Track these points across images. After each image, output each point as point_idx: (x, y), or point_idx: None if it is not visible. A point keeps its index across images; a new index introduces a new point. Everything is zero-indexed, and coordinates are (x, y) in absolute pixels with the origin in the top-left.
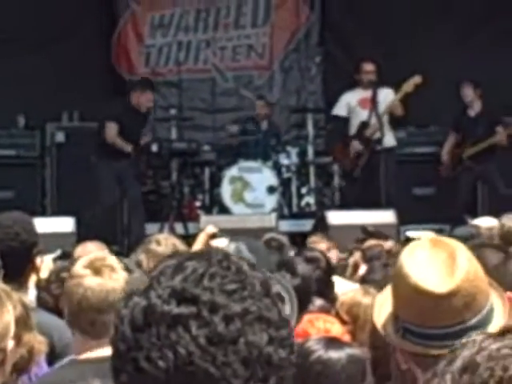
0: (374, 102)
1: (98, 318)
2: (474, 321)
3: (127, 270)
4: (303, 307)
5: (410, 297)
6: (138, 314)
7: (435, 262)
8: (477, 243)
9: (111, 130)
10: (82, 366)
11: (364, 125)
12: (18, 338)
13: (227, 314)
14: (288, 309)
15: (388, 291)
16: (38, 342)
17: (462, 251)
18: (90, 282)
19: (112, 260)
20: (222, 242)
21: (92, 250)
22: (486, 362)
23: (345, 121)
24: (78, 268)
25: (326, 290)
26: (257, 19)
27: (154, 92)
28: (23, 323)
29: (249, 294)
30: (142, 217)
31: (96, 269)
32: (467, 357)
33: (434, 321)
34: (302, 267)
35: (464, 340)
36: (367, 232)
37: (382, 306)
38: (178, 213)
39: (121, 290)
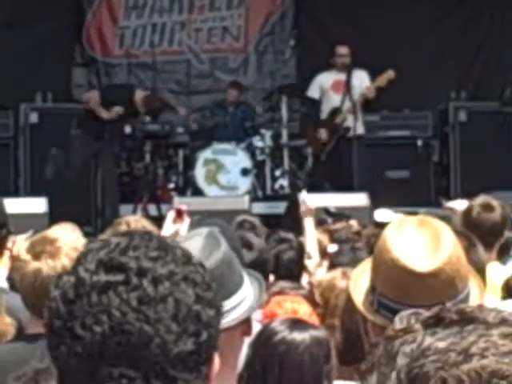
0: (348, 85)
1: (37, 303)
2: (449, 304)
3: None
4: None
5: (390, 272)
6: (69, 290)
7: (419, 240)
8: None
9: (95, 95)
10: (32, 339)
11: (335, 111)
12: None
13: (154, 276)
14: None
15: (366, 265)
16: (5, 323)
17: (448, 233)
18: (28, 267)
19: (57, 244)
20: (187, 222)
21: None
22: (435, 372)
23: (318, 103)
24: (22, 251)
25: (296, 271)
26: (232, 1)
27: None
28: None
29: (172, 259)
30: (116, 198)
31: (35, 254)
32: (412, 359)
33: (410, 298)
34: (258, 241)
35: (399, 325)
36: (329, 213)
37: (358, 279)
38: (151, 194)
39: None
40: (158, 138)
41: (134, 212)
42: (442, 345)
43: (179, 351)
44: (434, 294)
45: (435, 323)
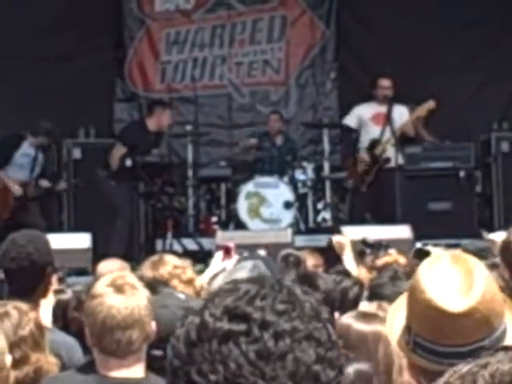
0: (388, 118)
1: (123, 336)
2: (485, 342)
3: (149, 287)
4: None
5: (424, 312)
6: (192, 331)
7: (453, 279)
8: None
9: (118, 151)
10: (104, 380)
11: (374, 142)
12: (25, 357)
13: (277, 330)
14: None
15: (403, 301)
16: (49, 362)
17: (481, 270)
18: (114, 299)
19: (132, 278)
20: (234, 259)
21: (115, 267)
22: None
23: (353, 133)
24: (100, 287)
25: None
26: (272, 35)
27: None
28: (32, 342)
29: (298, 314)
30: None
31: (118, 287)
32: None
33: (445, 338)
34: (324, 281)
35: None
36: (367, 244)
37: (395, 316)
38: (195, 228)
39: (145, 306)
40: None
41: (171, 246)
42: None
43: None
44: (468, 334)
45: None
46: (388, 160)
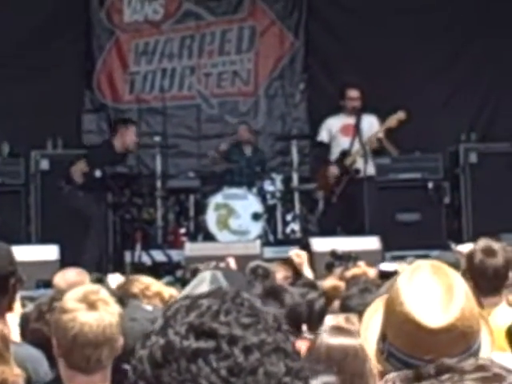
0: (357, 128)
1: (94, 354)
2: (459, 358)
3: (120, 301)
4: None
5: (401, 324)
6: (157, 352)
7: (433, 292)
8: None
9: (80, 167)
10: None
11: (344, 154)
12: None
13: (246, 345)
14: None
15: (378, 304)
16: (14, 374)
17: (461, 285)
18: (87, 317)
19: (104, 293)
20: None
21: (72, 277)
22: None
23: (327, 147)
24: (71, 302)
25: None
26: (241, 46)
27: (138, 121)
28: None
29: (263, 327)
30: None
31: (90, 303)
32: None
33: (421, 353)
34: (291, 296)
35: None
36: (336, 255)
37: (369, 322)
38: (163, 240)
39: (116, 323)
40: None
41: (140, 258)
42: None
43: None
44: (445, 349)
45: (414, 379)
46: (358, 171)
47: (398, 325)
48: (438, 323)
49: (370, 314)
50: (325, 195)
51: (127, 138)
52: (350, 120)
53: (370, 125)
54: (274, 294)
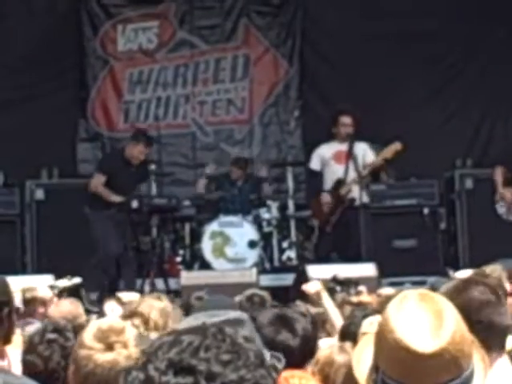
0: (350, 155)
1: None
2: (454, 383)
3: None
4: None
5: (393, 352)
6: None
7: (422, 318)
8: None
9: (97, 179)
10: None
11: (339, 182)
12: None
13: (224, 382)
14: None
15: (369, 339)
16: None
17: (450, 310)
18: (102, 358)
19: (129, 333)
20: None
21: (65, 308)
22: None
23: (320, 175)
24: (89, 338)
25: (312, 345)
26: (236, 74)
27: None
28: None
29: (244, 363)
30: (134, 271)
31: (109, 344)
32: None
33: (414, 379)
34: (302, 325)
35: None
36: (337, 281)
37: (361, 355)
38: (158, 269)
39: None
40: (165, 212)
41: (142, 287)
42: None
43: None
44: (437, 375)
45: None
46: (353, 200)
47: (390, 352)
48: (429, 348)
49: (362, 347)
50: (320, 224)
51: (133, 151)
52: (343, 147)
53: (363, 152)
54: (285, 321)
